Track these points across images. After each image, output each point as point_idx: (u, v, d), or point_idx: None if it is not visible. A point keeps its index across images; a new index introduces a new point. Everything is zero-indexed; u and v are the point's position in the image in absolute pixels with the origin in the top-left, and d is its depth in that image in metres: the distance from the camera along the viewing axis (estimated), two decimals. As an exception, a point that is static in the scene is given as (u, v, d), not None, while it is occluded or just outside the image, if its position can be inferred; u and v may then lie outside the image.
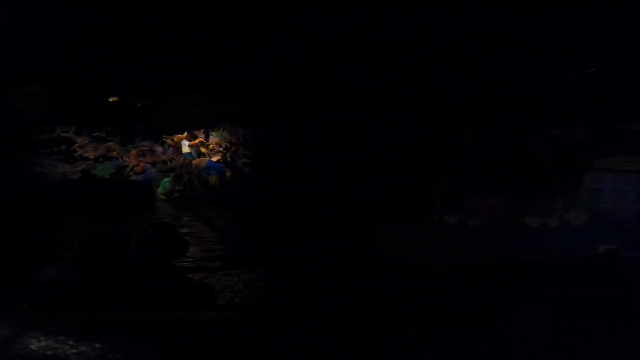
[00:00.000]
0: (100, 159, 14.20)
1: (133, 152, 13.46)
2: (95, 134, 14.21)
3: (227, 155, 10.25)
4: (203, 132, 11.68)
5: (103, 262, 3.39)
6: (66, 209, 6.88)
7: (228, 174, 10.17)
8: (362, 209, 5.72)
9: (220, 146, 10.91)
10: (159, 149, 13.50)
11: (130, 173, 13.45)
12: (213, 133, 11.46)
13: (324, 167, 7.48)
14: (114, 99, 10.24)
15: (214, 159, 10.74)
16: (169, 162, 12.74)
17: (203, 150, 11.22)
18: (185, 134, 11.17)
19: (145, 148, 13.54)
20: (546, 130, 5.23)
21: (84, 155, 14.18)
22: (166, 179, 10.80)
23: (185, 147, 11.02)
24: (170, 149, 12.79)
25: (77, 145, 14.08)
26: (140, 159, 13.36)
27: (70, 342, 1.28)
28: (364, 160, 6.55)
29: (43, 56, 7.24)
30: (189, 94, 10.17)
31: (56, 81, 8.09)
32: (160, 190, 10.81)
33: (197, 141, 11.00)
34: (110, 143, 14.19)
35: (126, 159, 13.68)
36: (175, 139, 11.10)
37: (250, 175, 9.97)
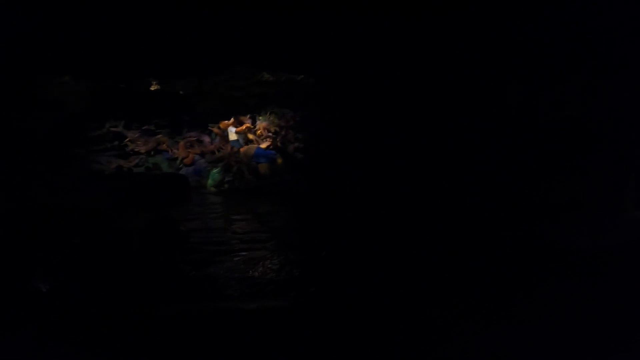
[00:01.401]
0: (152, 153, 13.68)
1: (181, 143, 12.72)
2: (144, 127, 13.68)
3: (277, 140, 9.08)
4: (249, 118, 10.59)
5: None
6: (102, 205, 6.11)
7: (279, 161, 9.02)
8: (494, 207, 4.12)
9: (268, 131, 9.77)
10: (206, 138, 12.67)
11: (181, 165, 12.77)
12: (260, 117, 10.33)
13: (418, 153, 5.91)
14: (155, 87, 9.33)
15: (263, 145, 9.63)
16: (216, 152, 11.88)
17: (250, 136, 10.14)
18: (232, 120, 10.11)
19: (193, 138, 12.77)
20: None
21: (136, 150, 13.74)
22: (215, 170, 9.86)
23: (232, 135, 9.99)
24: (218, 138, 11.90)
25: (127, 139, 13.61)
26: (189, 150, 12.61)
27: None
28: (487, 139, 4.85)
29: (75, 41, 6.29)
30: (233, 70, 8.95)
31: (92, 70, 7.20)
32: (209, 182, 9.91)
33: (243, 127, 9.93)
34: (159, 136, 13.61)
35: (175, 151, 13.00)
36: (221, 126, 10.10)
37: (303, 161, 8.74)
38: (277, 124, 9.67)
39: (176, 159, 12.91)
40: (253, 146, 9.55)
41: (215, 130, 11.52)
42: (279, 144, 9.08)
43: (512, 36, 4.73)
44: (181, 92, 9.80)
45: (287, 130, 9.44)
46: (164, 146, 13.58)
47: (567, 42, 4.37)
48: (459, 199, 5.02)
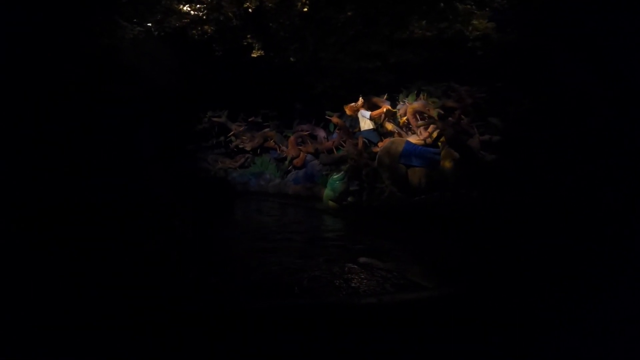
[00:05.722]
0: (258, 151, 10.63)
1: (291, 139, 9.37)
2: (250, 119, 10.68)
3: (445, 130, 4.80)
4: (386, 99, 6.56)
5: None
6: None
7: (447, 164, 4.78)
8: None
9: (423, 116, 5.59)
10: (321, 133, 9.12)
11: (290, 167, 9.40)
12: (406, 98, 6.20)
13: None
14: (257, 54, 5.89)
15: (414, 139, 5.49)
16: (335, 151, 8.16)
17: (389, 126, 6.09)
18: (361, 100, 6.17)
19: (305, 133, 9.32)
20: None
21: (241, 146, 10.86)
22: (336, 176, 6.04)
23: (365, 122, 6.05)
24: (337, 131, 8.16)
25: (231, 133, 10.78)
26: (300, 147, 9.16)
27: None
28: None
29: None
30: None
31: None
32: (327, 192, 6.13)
33: (383, 110, 5.90)
34: (267, 130, 10.46)
35: (284, 148, 9.69)
36: (347, 110, 6.24)
37: (497, 165, 4.39)
38: (441, 106, 5.42)
39: (285, 158, 9.60)
40: (399, 140, 5.45)
41: (335, 119, 7.80)
42: (447, 137, 4.80)
43: None
44: (292, 60, 6.18)
45: (458, 114, 5.13)
46: (272, 142, 10.42)
47: None
48: None
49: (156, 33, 5.15)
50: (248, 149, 10.86)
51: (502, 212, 4.13)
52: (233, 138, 10.92)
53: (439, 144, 5.22)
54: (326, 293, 2.36)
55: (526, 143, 4.42)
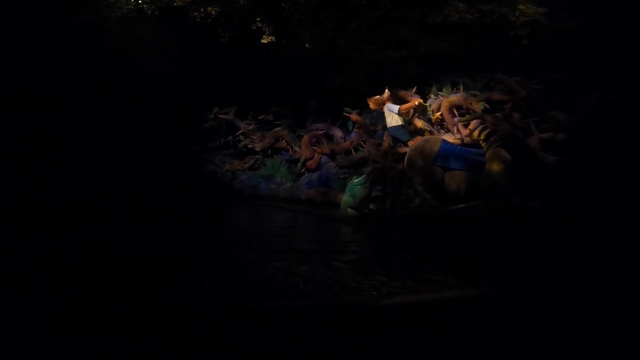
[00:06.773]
0: (269, 151, 9.87)
1: (305, 138, 8.58)
2: (260, 117, 9.94)
3: (500, 125, 3.93)
4: (414, 92, 5.72)
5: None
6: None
7: (494, 167, 3.92)
8: None
9: (461, 112, 4.72)
10: (338, 132, 8.31)
11: (303, 169, 8.61)
12: (442, 91, 5.35)
13: None
14: (268, 39, 5.11)
15: (449, 138, 4.63)
16: (353, 152, 7.35)
17: (419, 123, 5.24)
18: (387, 92, 5.34)
19: (320, 132, 8.52)
20: None
21: (250, 146, 10.12)
22: (356, 180, 5.21)
23: (393, 117, 5.20)
24: (356, 130, 7.35)
25: (240, 132, 10.04)
26: (314, 148, 8.37)
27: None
28: None
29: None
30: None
31: None
32: (346, 198, 5.31)
33: (413, 104, 5.05)
34: (278, 129, 9.70)
35: (297, 149, 8.91)
36: (371, 102, 5.39)
37: (563, 169, 3.49)
38: (486, 98, 4.55)
39: (298, 160, 8.82)
40: (436, 138, 4.60)
41: (354, 117, 7.01)
42: (498, 135, 3.93)
43: None
44: (307, 46, 5.38)
45: (510, 109, 4.25)
46: (283, 143, 9.64)
47: None
48: None
49: (149, 12, 4.43)
50: (258, 149, 10.10)
51: (572, 227, 3.24)
52: (242, 137, 10.17)
53: (483, 144, 4.35)
54: (320, 296, 2.34)
55: (600, 143, 3.53)
